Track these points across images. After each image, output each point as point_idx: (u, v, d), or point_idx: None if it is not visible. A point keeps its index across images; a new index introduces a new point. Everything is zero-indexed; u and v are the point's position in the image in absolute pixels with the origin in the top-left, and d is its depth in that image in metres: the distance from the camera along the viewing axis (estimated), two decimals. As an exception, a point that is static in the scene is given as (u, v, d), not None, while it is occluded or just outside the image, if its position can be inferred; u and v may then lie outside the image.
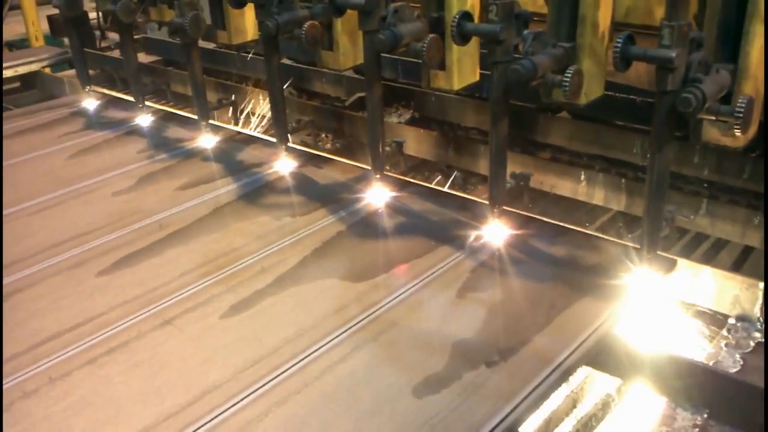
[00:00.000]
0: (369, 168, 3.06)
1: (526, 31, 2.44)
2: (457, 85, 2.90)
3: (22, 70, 5.63)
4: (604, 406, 2.36)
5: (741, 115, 2.05)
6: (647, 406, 2.27)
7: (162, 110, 4.22)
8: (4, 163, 3.67)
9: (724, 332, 2.46)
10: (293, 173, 3.35)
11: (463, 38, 2.50)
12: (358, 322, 2.30)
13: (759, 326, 2.46)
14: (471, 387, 2.00)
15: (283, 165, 3.39)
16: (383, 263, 2.61)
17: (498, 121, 2.57)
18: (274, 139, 3.50)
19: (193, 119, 3.97)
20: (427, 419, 1.91)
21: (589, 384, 2.36)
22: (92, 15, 8.35)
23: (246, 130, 3.99)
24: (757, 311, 2.49)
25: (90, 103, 4.42)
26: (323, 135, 4.36)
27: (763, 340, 2.40)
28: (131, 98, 4.23)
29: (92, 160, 3.66)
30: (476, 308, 2.34)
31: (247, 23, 3.69)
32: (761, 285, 2.45)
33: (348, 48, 3.21)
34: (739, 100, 2.06)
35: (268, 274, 2.60)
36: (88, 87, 4.44)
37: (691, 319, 2.54)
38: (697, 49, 2.13)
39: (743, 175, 2.98)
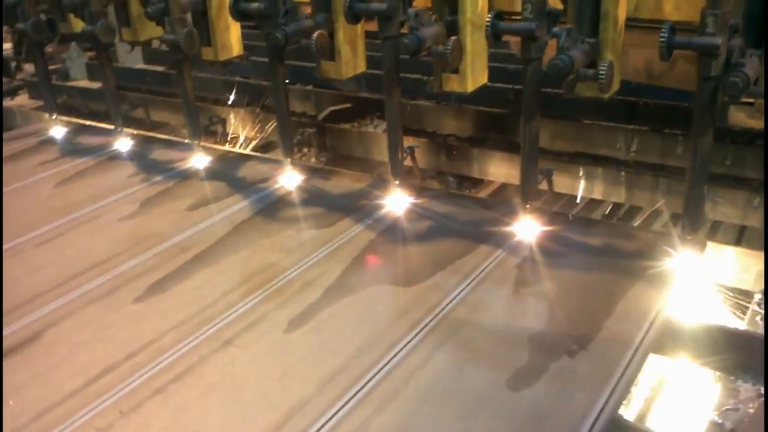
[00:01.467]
0: (375, 176, 3.06)
1: (556, 28, 2.51)
2: (470, 88, 2.95)
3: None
4: (664, 386, 2.44)
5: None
6: (708, 383, 2.36)
7: (141, 135, 4.09)
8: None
9: (755, 307, 2.59)
10: (302, 187, 3.33)
11: (496, 38, 2.55)
12: (425, 326, 2.31)
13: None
14: (562, 376, 2.05)
15: (289, 179, 3.36)
16: (428, 266, 2.63)
17: (530, 118, 2.64)
18: (268, 156, 3.46)
19: (177, 142, 3.89)
20: (532, 411, 1.94)
21: (647, 366, 2.44)
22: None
23: (244, 149, 3.93)
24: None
25: (57, 131, 4.25)
26: (305, 150, 4.33)
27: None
28: (101, 125, 4.10)
29: (82, 188, 3.53)
30: (536, 302, 2.40)
31: (233, 38, 3.64)
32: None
33: (349, 57, 3.22)
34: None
35: (314, 287, 2.58)
36: (55, 114, 4.26)
37: (724, 296, 2.66)
38: (734, 35, 2.25)
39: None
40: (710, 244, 2.68)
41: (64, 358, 2.33)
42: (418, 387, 2.06)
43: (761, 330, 2.42)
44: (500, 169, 3.56)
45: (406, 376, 2.11)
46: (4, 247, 3.02)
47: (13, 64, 7.11)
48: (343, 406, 2.02)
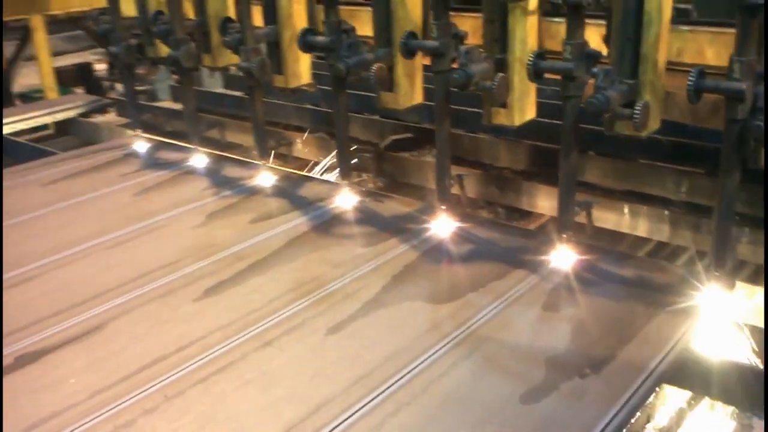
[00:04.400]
0: (426, 203, 3.23)
1: (595, 69, 2.65)
2: (517, 122, 3.11)
3: (60, 116, 5.81)
4: (679, 420, 2.51)
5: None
6: (722, 418, 2.42)
7: (215, 153, 4.39)
8: (72, 201, 3.83)
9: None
10: (356, 207, 3.53)
11: (538, 76, 2.70)
12: (453, 339, 2.46)
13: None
14: (573, 395, 2.16)
15: (346, 200, 3.57)
16: (463, 286, 2.78)
17: (568, 151, 2.77)
18: (329, 179, 3.68)
19: (247, 161, 4.16)
20: (539, 423, 2.06)
21: (662, 398, 2.52)
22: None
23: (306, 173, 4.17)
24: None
25: (140, 146, 4.60)
26: (364, 176, 4.54)
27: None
28: (180, 143, 4.42)
29: (158, 198, 3.82)
30: (561, 324, 2.51)
31: (302, 68, 3.90)
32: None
33: (407, 89, 3.41)
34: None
35: (354, 299, 2.76)
36: (139, 130, 4.61)
37: (749, 337, 2.71)
38: (760, 81, 2.34)
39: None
40: (741, 284, 2.74)
41: (121, 347, 2.57)
42: (436, 394, 2.21)
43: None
44: (548, 202, 3.67)
45: (427, 383, 2.26)
46: (80, 248, 3.32)
47: (107, 84, 7.66)
48: (364, 406, 2.18)
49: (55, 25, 11.19)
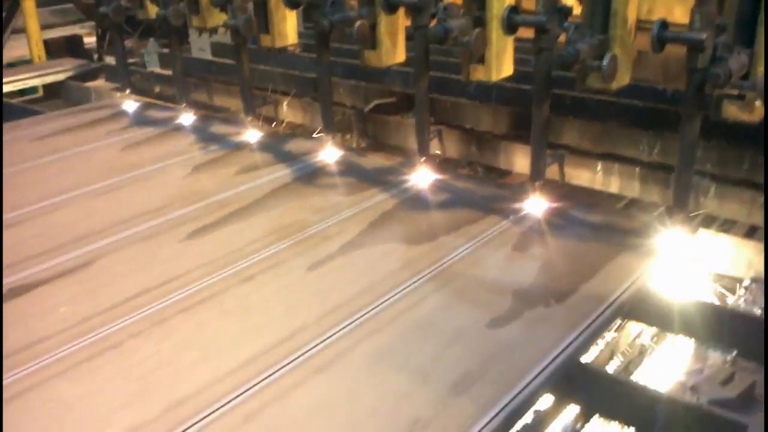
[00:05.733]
0: (406, 158, 3.34)
1: (566, 23, 2.76)
2: (494, 77, 3.21)
3: (49, 79, 5.88)
4: (641, 353, 2.64)
5: (762, 87, 2.38)
6: (681, 350, 2.55)
7: (204, 108, 4.48)
8: (58, 155, 3.92)
9: (741, 291, 2.76)
10: (339, 161, 3.64)
11: (511, 29, 2.81)
12: (425, 275, 2.58)
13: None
14: (535, 321, 2.28)
15: (329, 154, 3.68)
16: (439, 228, 2.90)
17: (540, 103, 2.89)
18: (316, 136, 3.78)
19: (235, 119, 4.25)
20: (501, 345, 2.18)
21: (625, 335, 2.64)
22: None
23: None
24: (768, 273, 2.80)
25: (129, 106, 4.68)
26: (347, 136, 4.63)
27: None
28: (168, 104, 4.51)
29: (144, 152, 3.92)
30: (529, 263, 2.64)
31: (289, 27, 3.98)
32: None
33: (389, 47, 3.51)
34: (759, 74, 2.39)
35: (332, 241, 2.87)
36: (129, 90, 4.69)
37: (711, 281, 2.84)
38: (721, 33, 2.46)
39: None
40: (705, 231, 2.87)
41: (108, 281, 2.68)
42: (407, 321, 2.33)
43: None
44: (526, 161, 3.78)
45: (398, 312, 2.38)
46: (67, 196, 3.42)
47: (96, 56, 7.71)
48: (338, 332, 2.30)
49: (43, -3, 11.24)
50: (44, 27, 8.89)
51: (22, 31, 7.94)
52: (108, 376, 2.16)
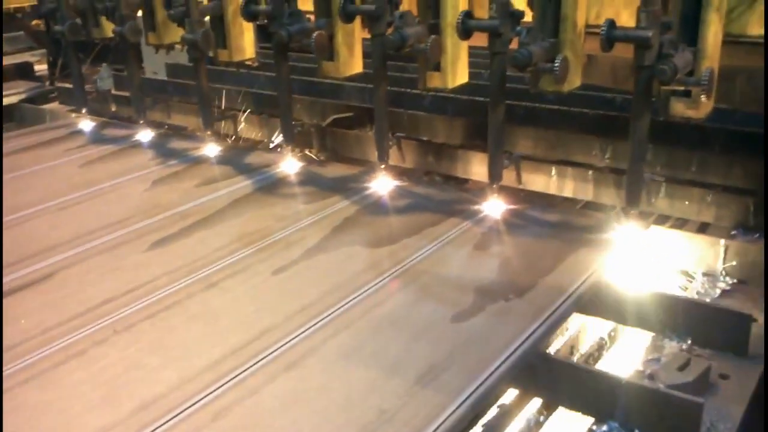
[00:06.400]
0: (365, 168, 3.39)
1: (518, 27, 2.85)
2: (451, 84, 3.28)
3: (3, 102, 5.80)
4: (600, 348, 2.71)
5: (706, 83, 2.49)
6: (636, 342, 2.63)
7: (162, 127, 4.48)
8: (17, 173, 3.89)
9: (694, 284, 2.86)
10: (300, 172, 3.68)
11: (466, 33, 2.89)
12: (389, 275, 2.62)
13: (722, 279, 2.87)
14: (497, 314, 2.34)
15: (290, 165, 3.71)
16: (401, 231, 2.95)
17: (496, 106, 2.96)
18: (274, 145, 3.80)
19: (193, 135, 4.26)
20: (466, 338, 2.23)
21: (583, 332, 2.72)
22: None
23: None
24: (719, 266, 2.90)
25: (86, 125, 4.66)
26: (307, 151, 4.67)
27: (728, 288, 2.82)
28: (125, 123, 4.50)
29: (104, 168, 3.91)
30: (490, 260, 2.71)
31: (246, 42, 4.02)
32: (722, 242, 2.88)
33: (347, 58, 3.57)
34: (703, 71, 2.51)
35: (296, 246, 2.90)
36: (85, 109, 4.67)
37: (665, 274, 2.93)
38: (667, 31, 2.57)
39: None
40: (658, 228, 2.97)
41: (71, 292, 2.67)
42: (373, 318, 2.37)
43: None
44: (483, 169, 3.86)
45: (365, 310, 2.42)
46: (27, 212, 3.39)
47: (47, 82, 7.63)
48: (305, 331, 2.32)
49: (-9, 26, 11.11)
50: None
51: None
52: (74, 381, 2.15)
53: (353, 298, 2.49)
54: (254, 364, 2.17)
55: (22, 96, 5.88)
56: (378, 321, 2.35)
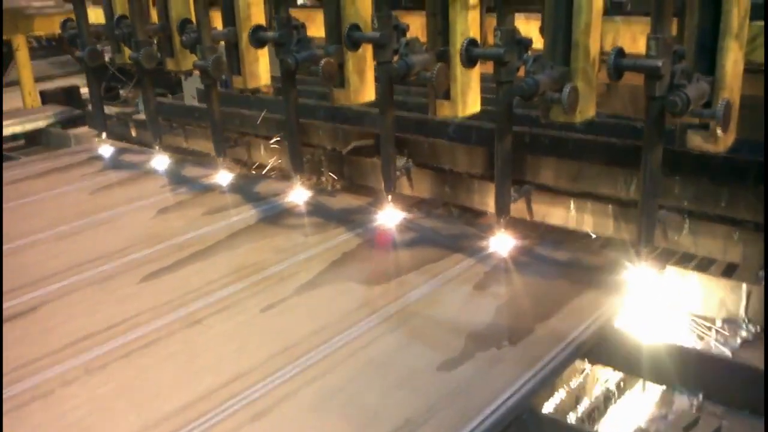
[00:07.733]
0: (375, 199, 3.26)
1: (526, 55, 2.70)
2: (461, 113, 3.14)
3: (29, 126, 5.84)
4: (606, 400, 2.51)
5: (721, 116, 2.30)
6: (645, 394, 2.42)
7: (178, 153, 4.43)
8: (28, 199, 3.87)
9: (713, 333, 2.63)
10: (308, 202, 3.56)
11: (471, 61, 2.75)
12: (382, 314, 2.48)
13: (744, 327, 2.64)
14: (488, 363, 2.17)
15: (299, 195, 3.60)
16: (401, 268, 2.81)
17: (503, 136, 2.81)
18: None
19: (209, 161, 4.20)
20: (449, 388, 2.07)
21: (590, 381, 2.51)
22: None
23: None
24: (741, 313, 2.67)
25: (105, 150, 4.64)
26: (322, 178, 4.56)
27: (749, 338, 2.58)
28: (144, 148, 4.47)
29: (113, 195, 3.87)
30: (489, 301, 2.54)
31: (261, 69, 3.95)
32: (744, 286, 2.65)
33: (358, 85, 3.45)
34: (719, 103, 2.31)
35: (289, 282, 2.78)
36: (105, 134, 4.65)
37: (681, 320, 2.71)
38: (679, 60, 2.39)
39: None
40: (675, 269, 2.75)
41: (52, 325, 2.59)
42: (357, 361, 2.23)
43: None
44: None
45: (350, 353, 2.28)
46: (28, 239, 3.34)
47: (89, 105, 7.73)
48: (284, 374, 2.19)
49: (43, 50, 11.36)
50: (43, 78, 8.96)
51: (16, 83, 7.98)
52: (33, 425, 2.05)
53: (339, 339, 2.35)
54: (222, 412, 2.04)
55: (50, 120, 5.90)
56: (362, 365, 2.21)
